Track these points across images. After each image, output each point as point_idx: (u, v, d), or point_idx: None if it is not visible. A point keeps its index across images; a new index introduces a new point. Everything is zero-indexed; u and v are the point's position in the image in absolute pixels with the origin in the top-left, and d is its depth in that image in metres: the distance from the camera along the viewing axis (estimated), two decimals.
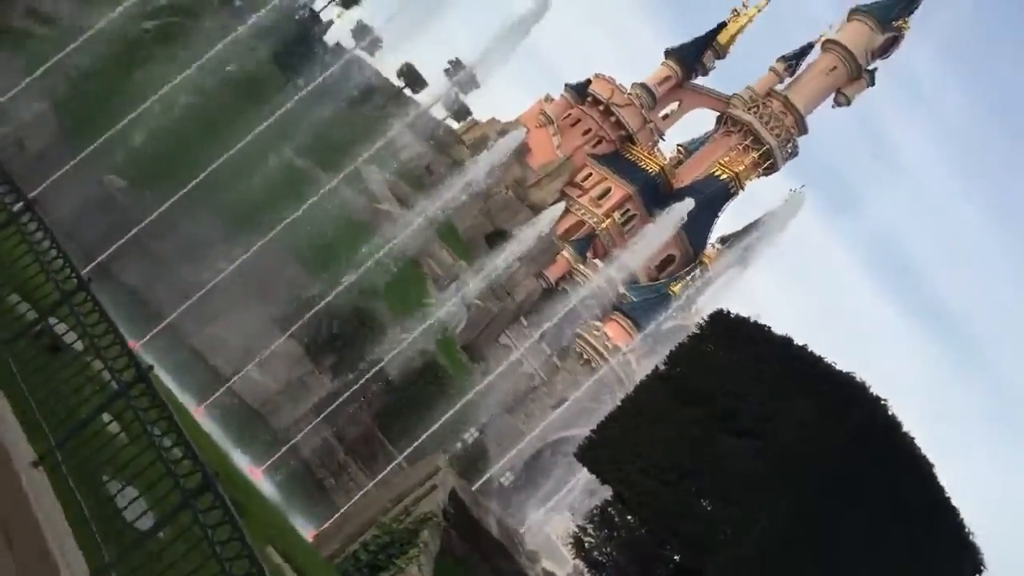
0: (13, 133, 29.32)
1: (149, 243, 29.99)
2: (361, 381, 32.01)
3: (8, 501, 7.23)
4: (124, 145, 29.94)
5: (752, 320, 13.21)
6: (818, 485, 11.19)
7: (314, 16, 47.01)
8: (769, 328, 13.05)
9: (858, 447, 11.47)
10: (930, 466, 12.73)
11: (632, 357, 59.38)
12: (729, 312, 14.07)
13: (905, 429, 12.80)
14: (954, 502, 12.98)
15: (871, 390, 11.95)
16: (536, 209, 64.85)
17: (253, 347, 30.31)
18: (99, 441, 8.13)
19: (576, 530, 19.06)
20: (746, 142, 75.06)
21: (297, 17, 41.39)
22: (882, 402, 12.46)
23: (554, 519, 44.51)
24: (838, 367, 12.22)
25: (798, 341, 12.39)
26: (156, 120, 30.47)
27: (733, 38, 77.61)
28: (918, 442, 12.39)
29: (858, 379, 12.51)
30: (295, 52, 40.82)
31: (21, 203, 10.46)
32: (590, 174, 71.28)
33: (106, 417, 8.46)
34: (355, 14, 59.89)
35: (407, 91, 62.82)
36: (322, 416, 31.12)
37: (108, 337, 8.89)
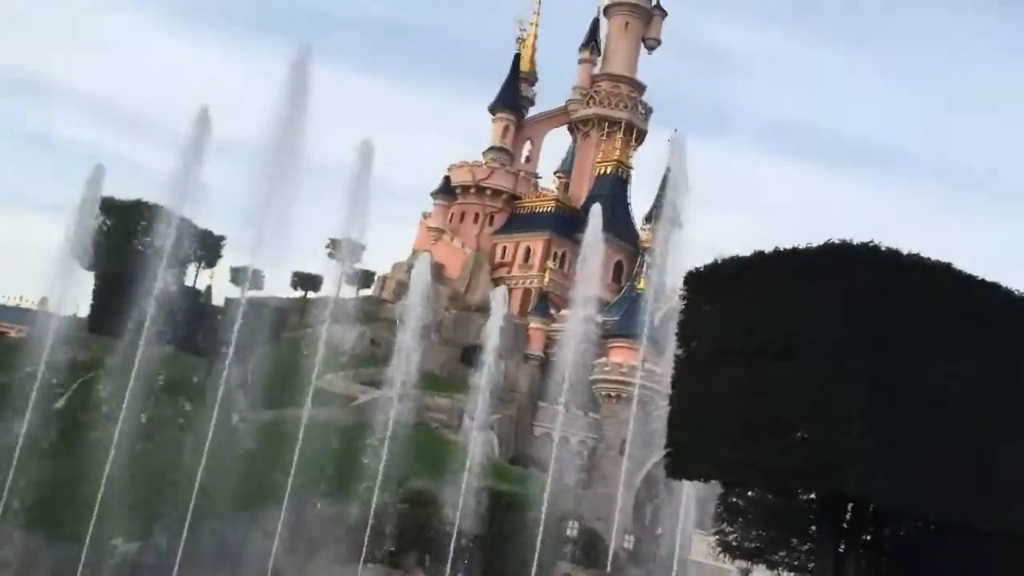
0: None
1: None
2: (451, 547, 31.61)
3: None
4: None
5: (716, 261, 13.41)
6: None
7: (193, 292, 47.35)
8: (735, 257, 13.23)
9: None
10: None
11: (650, 366, 59.33)
12: (698, 268, 14.25)
13: None
14: None
15: None
16: (483, 310, 65.21)
17: None
18: None
19: (715, 538, 18.82)
20: (605, 131, 76.81)
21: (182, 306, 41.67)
22: None
23: (692, 544, 43.72)
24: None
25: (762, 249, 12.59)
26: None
27: (532, 60, 79.91)
28: None
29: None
30: (199, 334, 40.96)
31: None
32: (504, 247, 72.02)
33: None
34: (222, 263, 60.71)
35: (309, 294, 63.28)
36: None
37: None
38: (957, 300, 11.67)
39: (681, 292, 14.34)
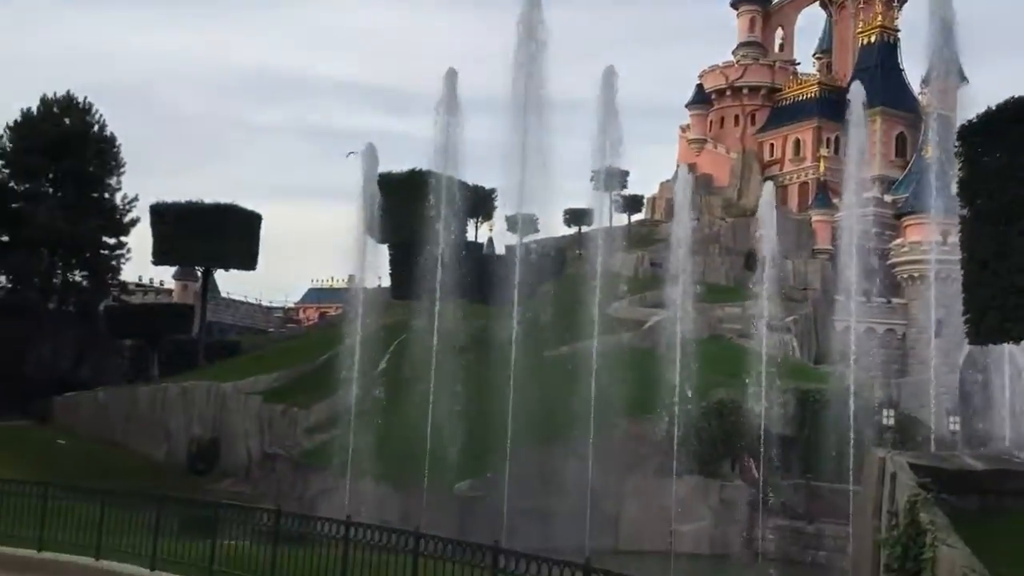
0: None
1: None
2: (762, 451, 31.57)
3: None
4: None
5: (990, 109, 12.30)
6: None
7: (475, 246, 49.94)
8: (1013, 98, 12.08)
9: None
10: None
11: (953, 238, 54.95)
12: (971, 121, 13.15)
13: None
14: None
15: None
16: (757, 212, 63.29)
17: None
18: None
19: None
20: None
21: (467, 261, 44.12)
22: None
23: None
24: None
25: None
26: None
27: None
28: None
29: None
30: (486, 284, 43.13)
31: None
32: (771, 144, 69.38)
33: None
34: (498, 216, 63.38)
35: (582, 229, 64.49)
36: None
37: None
38: None
39: (956, 148, 13.29)
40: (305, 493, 31.00)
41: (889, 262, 57.38)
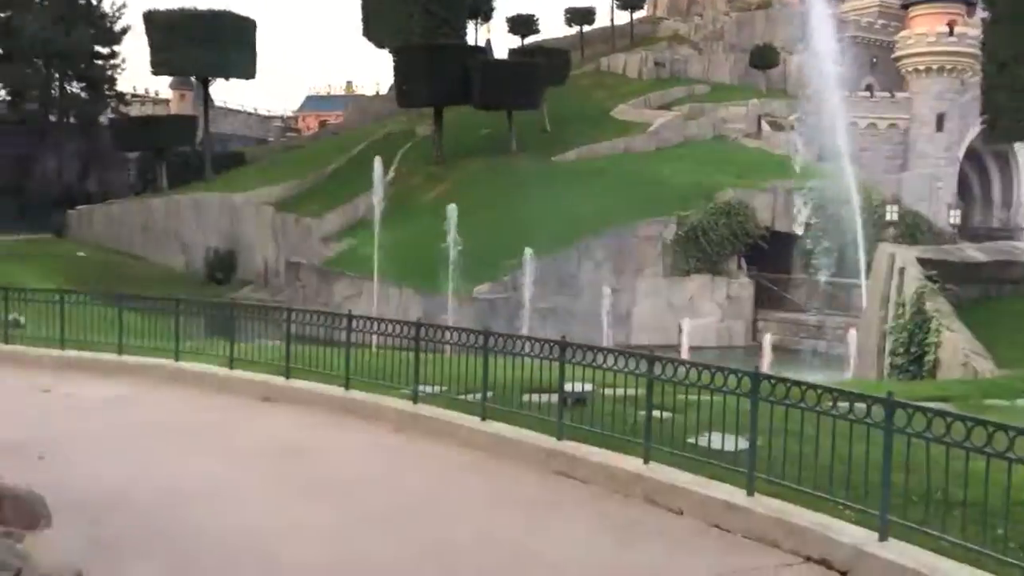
0: None
1: None
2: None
3: None
4: None
5: None
6: None
7: (477, 50, 49.14)
8: None
9: None
10: None
11: (960, 28, 54.19)
12: None
13: None
14: None
15: None
16: (764, 6, 61.78)
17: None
18: None
19: None
20: None
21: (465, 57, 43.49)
22: None
23: None
24: None
25: None
26: None
27: None
28: None
29: None
30: (491, 90, 42.89)
31: None
32: None
33: None
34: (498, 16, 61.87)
35: (584, 28, 63.20)
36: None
37: None
38: None
39: None
40: (331, 299, 32.29)
41: (894, 55, 56.75)
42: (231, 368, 12.39)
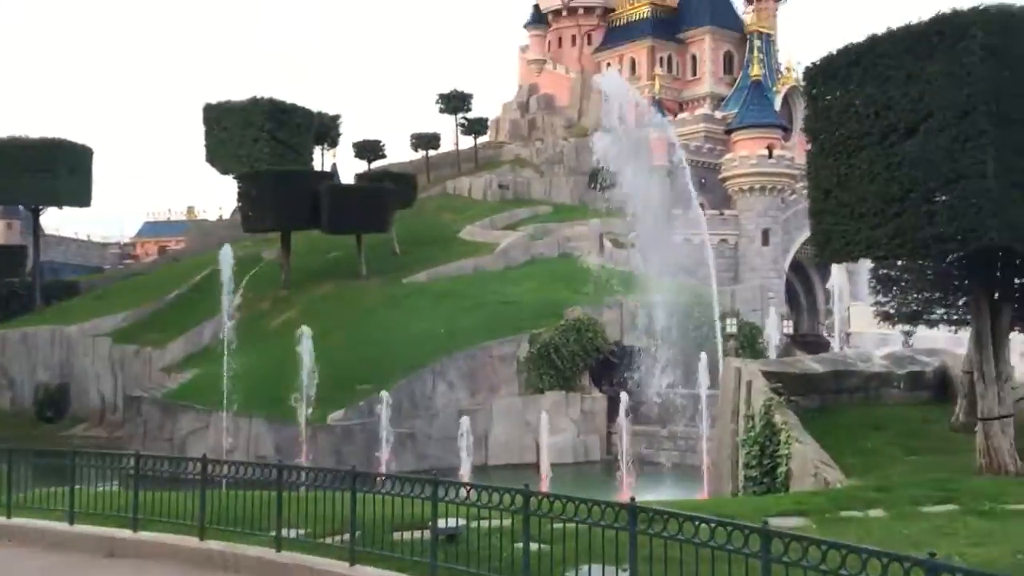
0: None
1: None
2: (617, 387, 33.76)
3: None
4: None
5: (832, 53, 13.65)
6: None
7: (324, 175, 49.37)
8: (850, 45, 13.44)
9: None
10: None
11: (779, 151, 58.55)
12: (815, 63, 14.43)
13: None
14: None
15: None
16: (597, 131, 65.15)
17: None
18: None
19: (876, 308, 19.68)
20: None
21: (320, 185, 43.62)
22: None
23: (856, 314, 44.46)
24: None
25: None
26: None
27: None
28: None
29: None
30: (339, 214, 43.00)
31: None
32: (608, 63, 70.99)
33: None
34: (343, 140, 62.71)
35: (430, 152, 64.64)
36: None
37: None
38: None
39: (802, 87, 14.61)
40: (175, 434, 30.79)
41: (720, 176, 60.49)
42: (71, 523, 11.51)
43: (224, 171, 50.90)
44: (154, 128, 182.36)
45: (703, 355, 29.38)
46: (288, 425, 28.62)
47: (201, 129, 52.00)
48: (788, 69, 65.48)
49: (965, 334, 16.15)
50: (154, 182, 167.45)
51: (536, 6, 72.17)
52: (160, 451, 27.39)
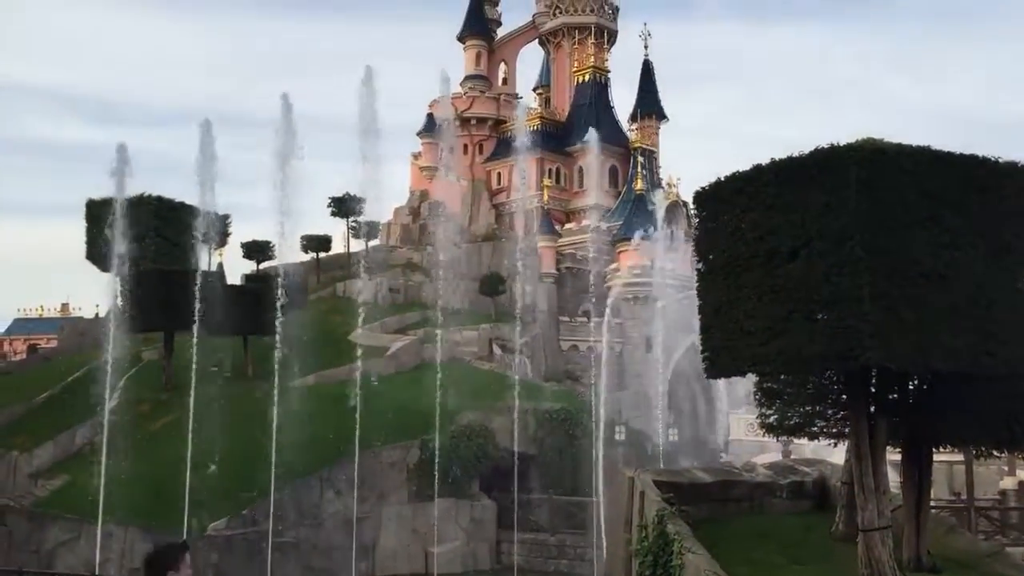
0: None
1: None
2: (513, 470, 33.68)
3: None
4: None
5: (719, 179, 14.56)
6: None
7: (213, 275, 48.50)
8: (737, 173, 14.38)
9: None
10: None
11: (660, 263, 60.73)
12: (704, 188, 15.33)
13: None
14: None
15: None
16: (490, 239, 66.45)
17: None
18: None
19: (757, 420, 20.48)
20: (576, 39, 76.81)
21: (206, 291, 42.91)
22: None
23: (735, 423, 45.83)
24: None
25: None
26: None
27: None
28: None
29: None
30: (226, 314, 42.24)
31: None
32: (499, 173, 72.86)
33: None
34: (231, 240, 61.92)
35: (320, 255, 64.49)
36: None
37: None
38: (940, 178, 12.92)
39: (692, 210, 15.47)
40: (42, 546, 29.01)
41: (606, 284, 62.20)
42: None
43: (105, 268, 49.44)
44: (25, 221, 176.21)
45: (598, 461, 29.81)
46: (167, 534, 27.37)
47: (81, 225, 50.66)
48: (670, 184, 68.48)
49: (843, 445, 16.95)
50: (26, 276, 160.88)
51: (430, 115, 73.79)
52: (27, 564, 25.84)
